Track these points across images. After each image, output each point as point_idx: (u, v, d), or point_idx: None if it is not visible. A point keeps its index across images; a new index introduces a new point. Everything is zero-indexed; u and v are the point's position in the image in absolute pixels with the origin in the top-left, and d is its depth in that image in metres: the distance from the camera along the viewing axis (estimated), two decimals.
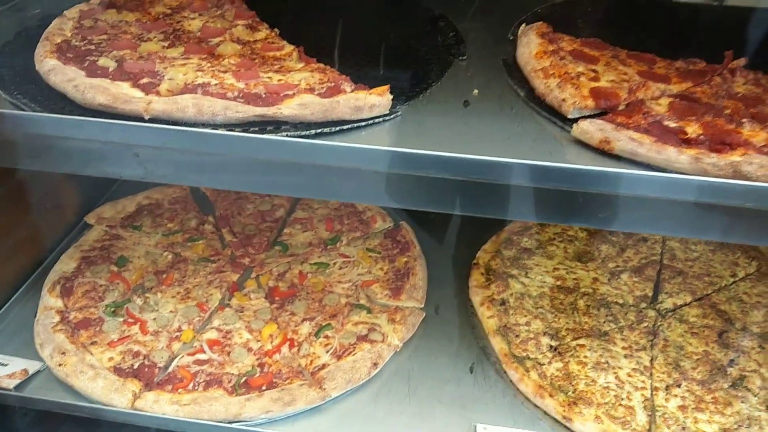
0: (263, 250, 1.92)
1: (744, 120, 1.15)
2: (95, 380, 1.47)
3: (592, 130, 1.09)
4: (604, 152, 1.07)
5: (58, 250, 1.89)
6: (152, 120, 1.12)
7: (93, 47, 1.37)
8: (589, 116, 1.16)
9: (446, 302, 1.79)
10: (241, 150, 1.06)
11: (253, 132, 1.09)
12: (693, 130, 1.10)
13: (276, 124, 1.12)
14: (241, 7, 1.62)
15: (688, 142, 1.06)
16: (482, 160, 1.01)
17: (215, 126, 1.10)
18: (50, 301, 1.69)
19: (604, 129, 1.08)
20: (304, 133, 1.10)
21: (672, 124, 1.11)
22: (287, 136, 1.08)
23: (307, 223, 2.03)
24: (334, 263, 1.88)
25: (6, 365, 1.52)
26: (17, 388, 1.48)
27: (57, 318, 1.63)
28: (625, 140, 1.05)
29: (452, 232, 2.07)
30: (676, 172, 1.02)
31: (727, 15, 1.80)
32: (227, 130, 1.09)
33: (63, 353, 1.52)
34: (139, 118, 1.12)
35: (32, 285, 1.79)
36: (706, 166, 1.00)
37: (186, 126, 1.10)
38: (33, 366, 1.53)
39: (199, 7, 1.60)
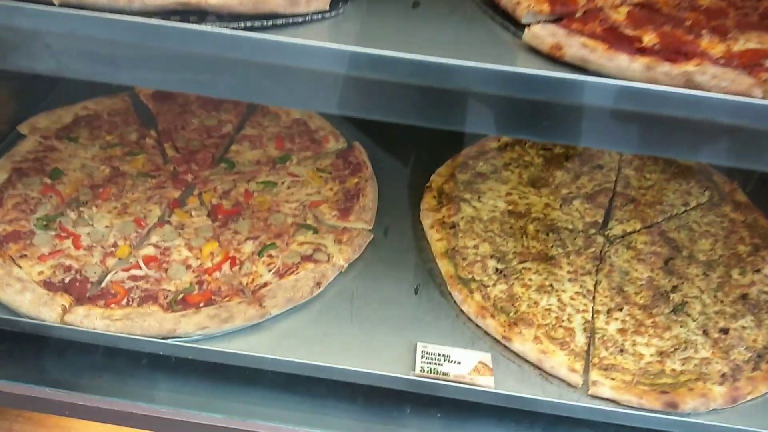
0: (208, 167, 1.83)
1: (703, 31, 1.09)
2: (23, 293, 1.41)
3: (543, 34, 1.01)
4: (554, 60, 1.01)
5: None
6: (63, 5, 1.00)
7: None
8: (543, 22, 1.08)
9: (397, 225, 1.75)
10: (157, 40, 0.96)
11: (173, 21, 0.98)
12: (649, 39, 1.04)
13: (200, 14, 1.02)
14: None
15: (642, 51, 1.00)
16: (417, 60, 0.93)
17: (132, 13, 0.99)
18: None
19: (557, 34, 1.01)
20: (232, 25, 1.01)
21: (628, 32, 1.04)
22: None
23: (256, 141, 1.94)
24: (282, 182, 1.80)
25: None
26: None
27: None
28: (576, 46, 0.98)
29: (409, 155, 2.00)
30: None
31: None
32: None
33: None
34: (50, 3, 1.01)
35: None
36: (658, 75, 0.95)
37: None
38: None
39: None
